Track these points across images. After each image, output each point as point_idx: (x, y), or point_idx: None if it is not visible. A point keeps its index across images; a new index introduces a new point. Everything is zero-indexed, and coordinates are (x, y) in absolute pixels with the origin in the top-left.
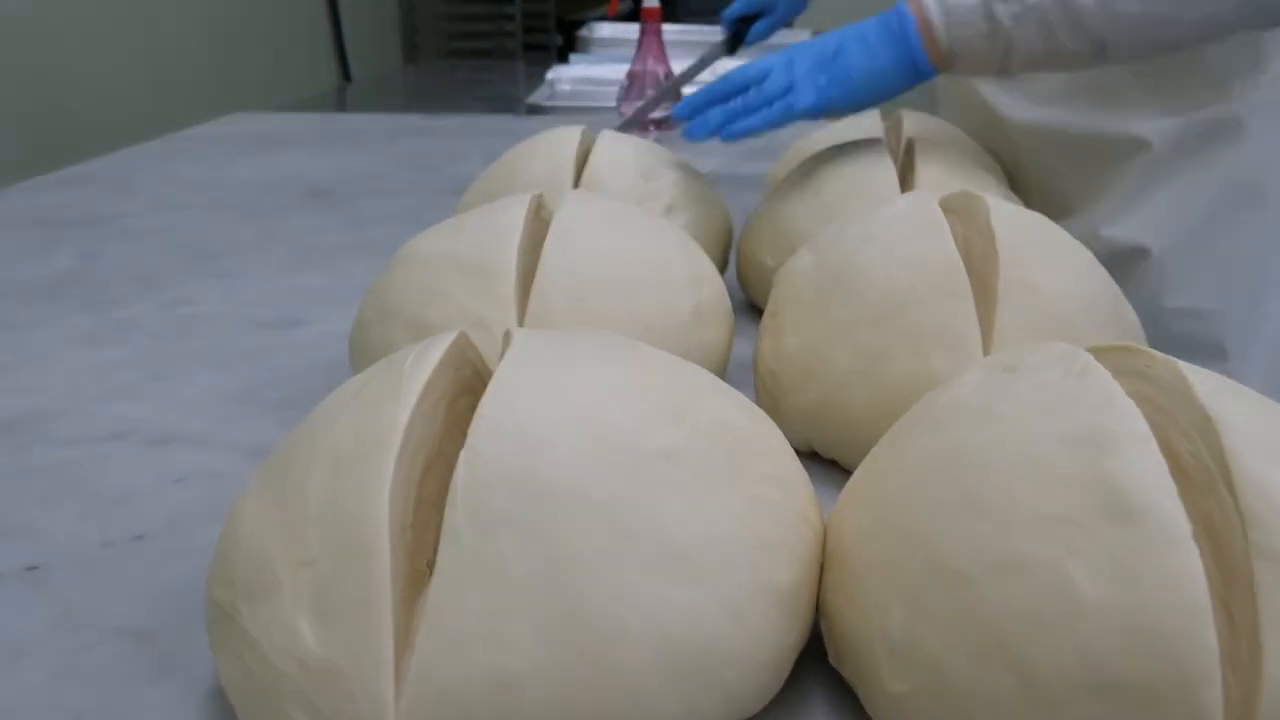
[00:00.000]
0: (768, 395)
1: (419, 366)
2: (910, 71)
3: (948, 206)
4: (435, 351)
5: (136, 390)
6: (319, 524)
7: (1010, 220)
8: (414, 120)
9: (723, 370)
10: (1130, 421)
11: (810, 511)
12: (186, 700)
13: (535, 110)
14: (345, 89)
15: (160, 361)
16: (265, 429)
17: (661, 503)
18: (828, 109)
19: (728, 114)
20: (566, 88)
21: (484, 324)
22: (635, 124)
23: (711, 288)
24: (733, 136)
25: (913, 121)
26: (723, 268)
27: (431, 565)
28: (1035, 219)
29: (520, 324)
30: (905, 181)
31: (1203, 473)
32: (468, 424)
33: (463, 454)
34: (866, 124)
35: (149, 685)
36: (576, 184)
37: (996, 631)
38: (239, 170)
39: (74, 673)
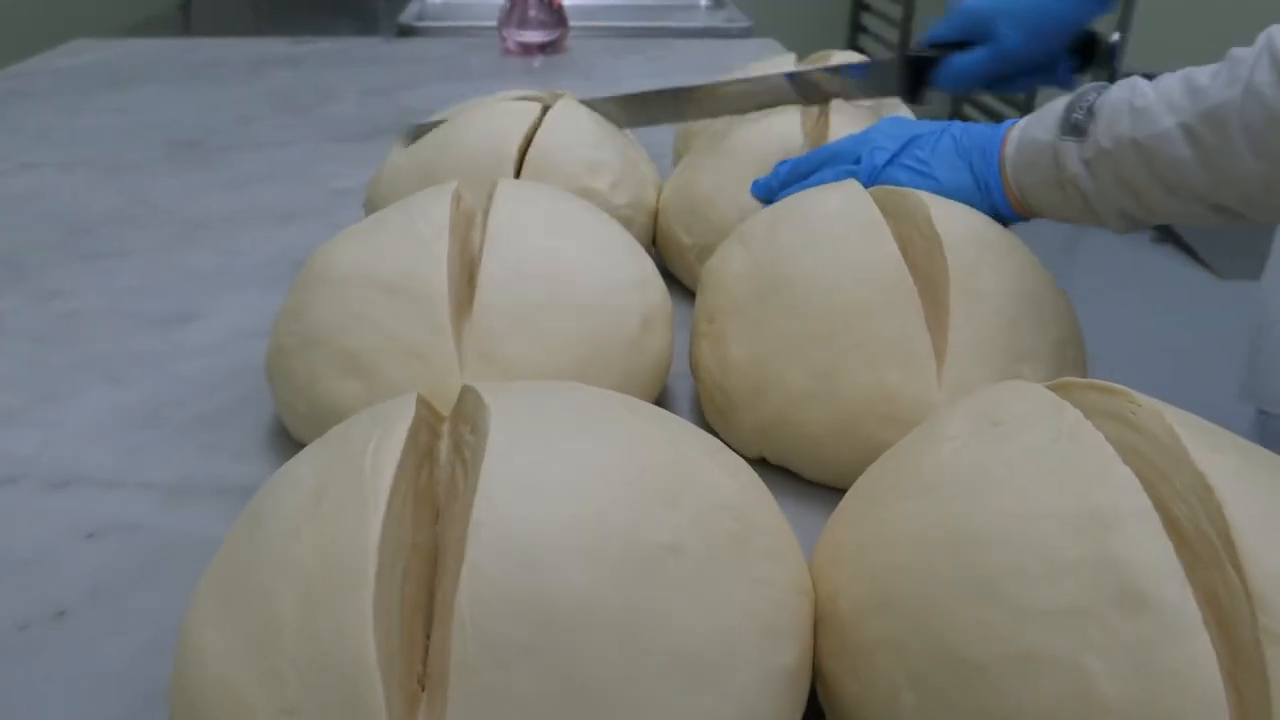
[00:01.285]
0: (715, 409)
1: (381, 464)
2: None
3: (875, 199)
4: (395, 442)
5: (22, 416)
6: (298, 669)
7: (951, 221)
8: (276, 47)
9: (667, 372)
10: (1132, 497)
11: (804, 579)
12: None
13: (408, 32)
14: (189, 5)
15: (44, 376)
16: (180, 461)
17: (669, 605)
18: None
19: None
20: (438, 2)
21: (420, 354)
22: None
23: (655, 290)
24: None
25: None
26: (653, 239)
27: (422, 681)
28: (967, 213)
29: (458, 351)
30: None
31: (1204, 544)
32: (436, 498)
33: (464, 573)
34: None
35: None
36: (521, 157)
37: None
38: (89, 116)
39: None
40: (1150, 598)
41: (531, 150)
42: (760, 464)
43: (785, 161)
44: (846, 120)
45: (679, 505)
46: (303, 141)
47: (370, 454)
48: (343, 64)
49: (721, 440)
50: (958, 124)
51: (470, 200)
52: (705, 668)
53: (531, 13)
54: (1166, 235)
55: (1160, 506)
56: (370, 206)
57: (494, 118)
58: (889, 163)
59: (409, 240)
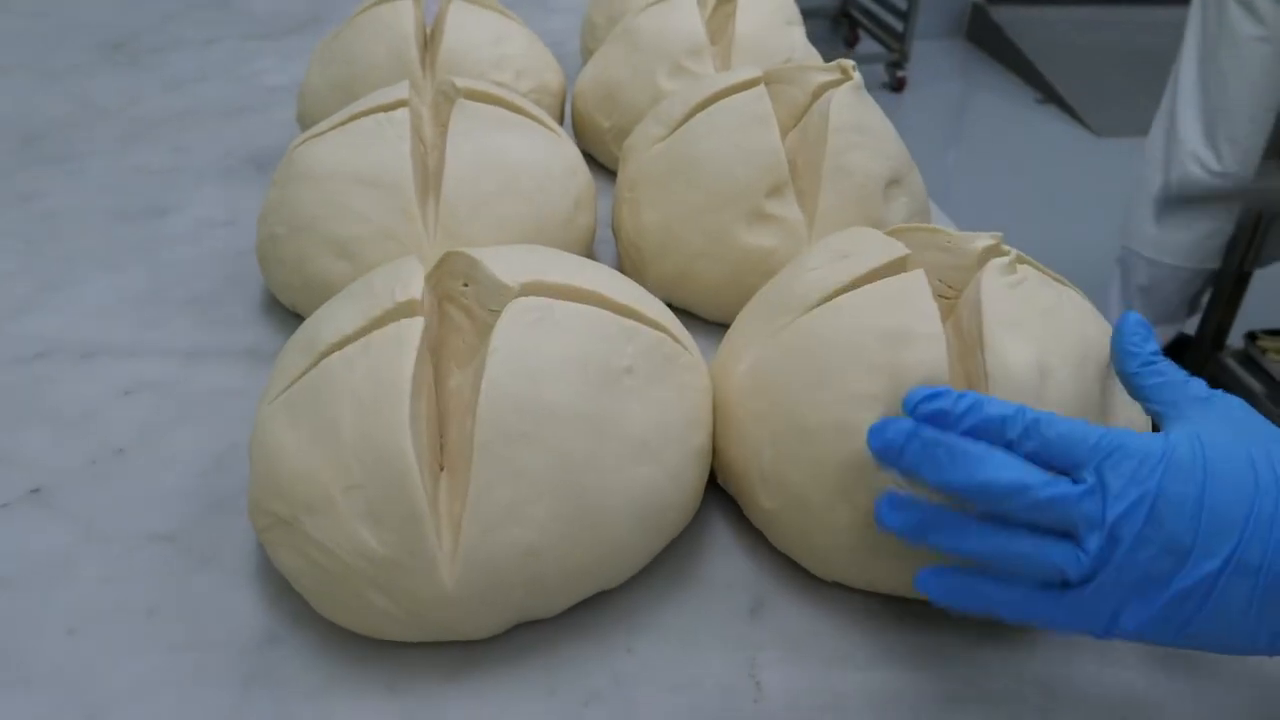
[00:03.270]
0: (631, 262)
1: (409, 330)
2: None
3: (784, 78)
4: (414, 327)
5: (35, 302)
6: (358, 457)
7: (843, 109)
8: None
9: (593, 240)
10: (928, 323)
11: (708, 383)
12: (233, 584)
13: None
14: None
15: (47, 268)
16: (188, 331)
17: (625, 407)
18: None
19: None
20: None
21: (395, 235)
22: None
23: (582, 176)
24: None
25: None
26: (560, 120)
27: (441, 464)
28: (865, 105)
29: (428, 232)
30: (720, 34)
31: (971, 337)
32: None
33: (484, 384)
34: None
35: (193, 576)
36: (423, 56)
37: (834, 472)
38: (12, 19)
39: (122, 576)
40: (923, 380)
41: (441, 53)
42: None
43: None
44: (751, 9)
45: (633, 339)
46: (227, 39)
47: (396, 300)
48: None
49: None
50: None
51: (418, 103)
52: (649, 448)
53: None
54: (1050, 96)
55: (949, 310)
56: (304, 120)
57: (381, 29)
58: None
59: (378, 141)
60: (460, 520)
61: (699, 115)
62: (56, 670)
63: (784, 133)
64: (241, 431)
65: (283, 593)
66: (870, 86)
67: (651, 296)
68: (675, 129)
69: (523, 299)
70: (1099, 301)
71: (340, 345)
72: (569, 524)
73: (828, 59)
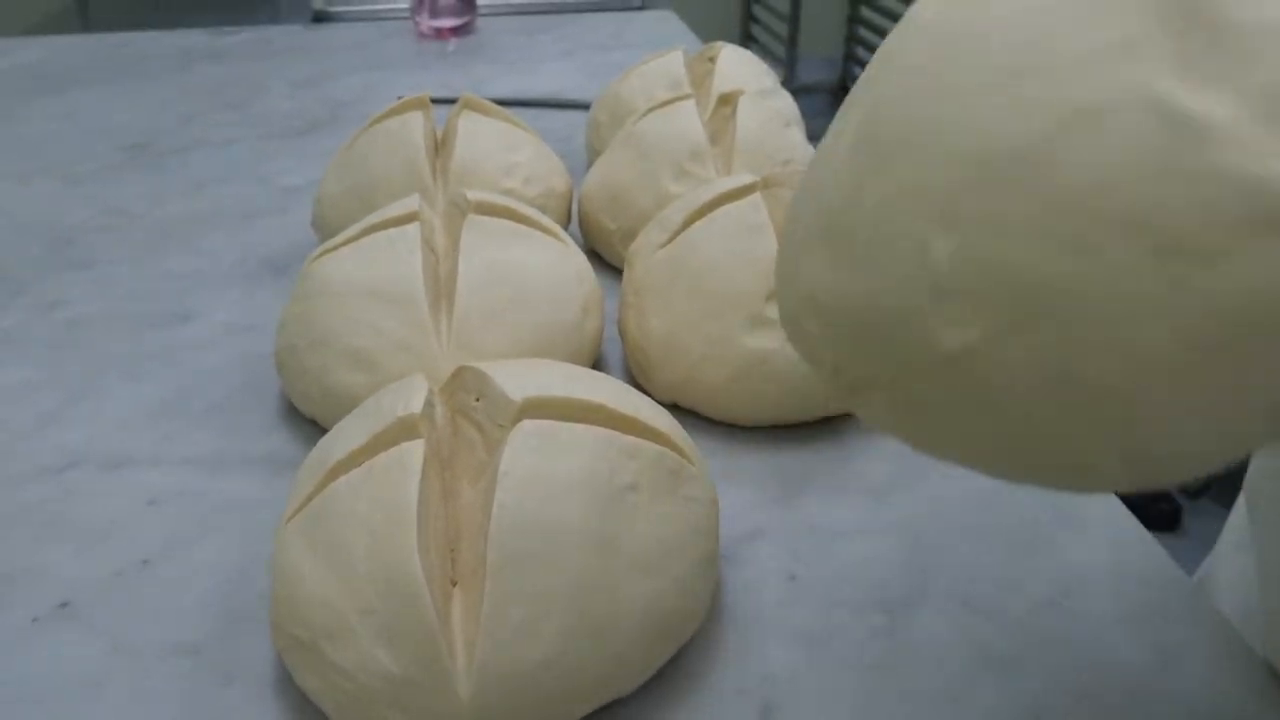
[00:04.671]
0: (637, 365)
1: (411, 455)
2: None
3: (782, 182)
4: (416, 450)
5: (61, 415)
6: (371, 582)
7: None
8: (197, 39)
9: (600, 344)
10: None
11: (712, 493)
12: (257, 699)
13: (323, 18)
14: (86, 1)
15: (69, 379)
16: (210, 439)
17: (631, 524)
18: None
19: None
20: None
21: (409, 347)
22: None
23: (589, 281)
24: None
25: (729, 61)
26: (566, 222)
27: (453, 580)
28: None
29: (442, 343)
30: (722, 135)
31: None
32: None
33: (494, 508)
34: (673, 69)
35: (218, 690)
36: (434, 164)
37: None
38: (34, 123)
39: (150, 691)
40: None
41: (453, 163)
42: (674, 408)
43: None
44: (751, 112)
45: (636, 456)
46: (245, 139)
47: (404, 444)
48: (266, 55)
49: (643, 390)
50: None
51: (429, 214)
52: (654, 561)
53: None
54: None
55: None
56: (321, 225)
57: (393, 141)
58: None
59: (390, 256)
60: (474, 638)
61: (698, 224)
62: None
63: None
64: (261, 542)
65: (304, 707)
66: None
67: (655, 405)
68: (675, 236)
69: (529, 422)
70: None
71: (347, 465)
72: (580, 638)
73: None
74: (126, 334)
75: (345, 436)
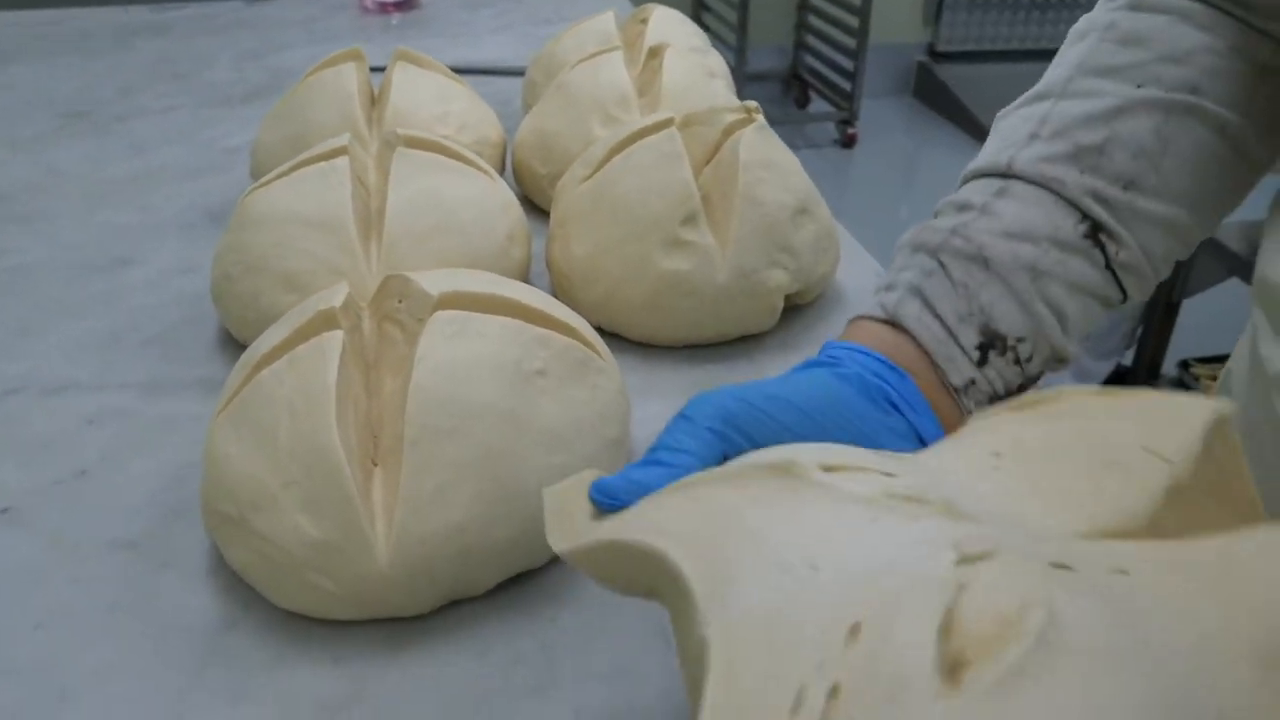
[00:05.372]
0: (563, 291)
1: (330, 342)
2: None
3: (698, 120)
4: (335, 340)
5: (7, 348)
6: (293, 457)
7: (752, 147)
8: (141, 15)
9: (528, 272)
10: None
11: (621, 383)
12: (190, 582)
13: None
14: None
15: (14, 316)
16: (146, 367)
17: (540, 404)
18: None
19: None
20: None
21: (339, 270)
22: None
23: (516, 213)
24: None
25: (660, 21)
26: (500, 171)
27: (375, 460)
28: (772, 143)
29: (371, 266)
30: (650, 86)
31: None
32: (364, 350)
33: (410, 388)
34: (605, 28)
35: (153, 576)
36: (370, 114)
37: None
38: None
39: (87, 579)
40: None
41: (388, 111)
42: (597, 331)
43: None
44: (677, 63)
45: (546, 345)
46: (186, 106)
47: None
48: (210, 30)
49: None
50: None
51: (360, 152)
52: (562, 439)
53: None
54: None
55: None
56: (258, 174)
57: (328, 91)
58: None
59: (320, 186)
60: (393, 508)
61: (618, 156)
62: (27, 660)
63: (699, 169)
64: (197, 451)
65: (235, 586)
66: (822, 144)
67: (569, 309)
68: (597, 170)
69: (444, 313)
70: None
71: (271, 358)
72: (491, 505)
73: (780, 119)
74: (68, 279)
75: (270, 336)
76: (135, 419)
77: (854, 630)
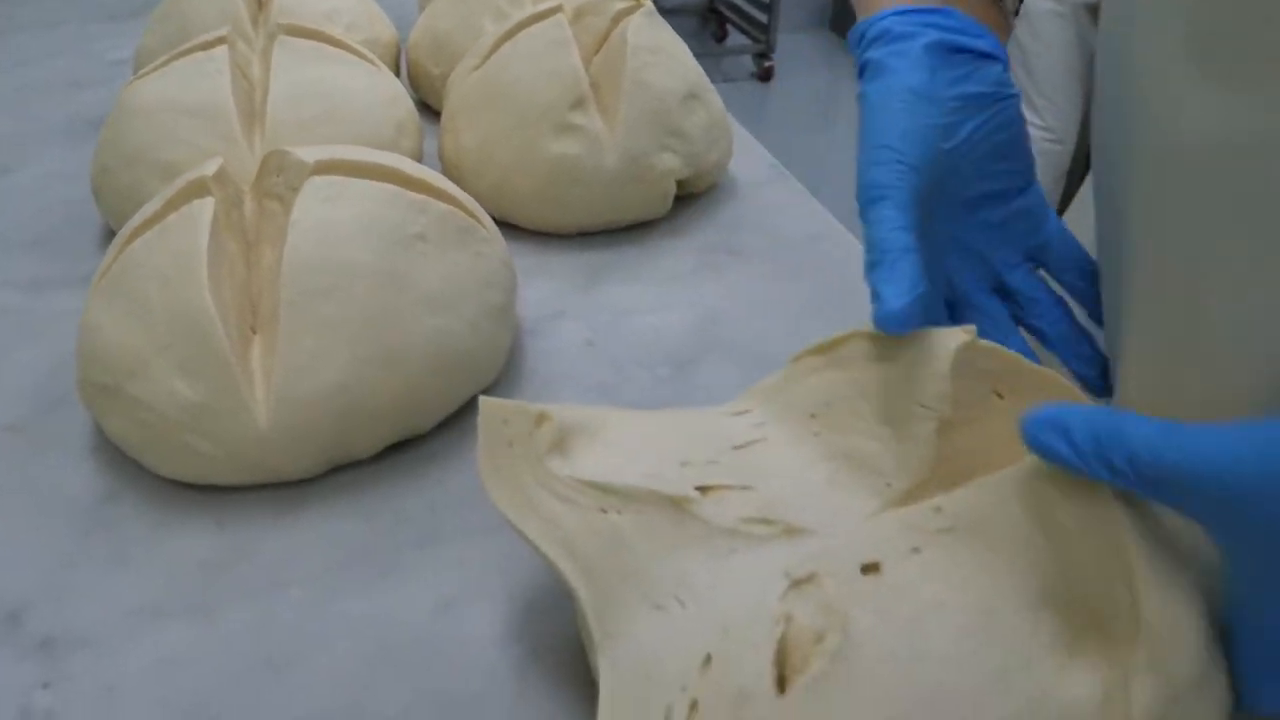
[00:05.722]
0: (455, 182)
1: (200, 209)
2: None
3: (587, 10)
4: (206, 205)
5: None
6: (166, 322)
7: (640, 31)
8: None
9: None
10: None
11: (505, 253)
12: (73, 460)
13: None
14: None
15: None
16: (28, 267)
17: (419, 267)
18: None
19: None
20: None
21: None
22: None
23: (404, 105)
24: None
25: None
26: (396, 72)
27: (254, 328)
28: (660, 29)
29: (255, 155)
30: None
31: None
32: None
33: (285, 250)
34: None
35: (37, 458)
36: (255, 15)
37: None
38: None
39: None
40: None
41: (273, 11)
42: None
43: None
44: None
45: (426, 211)
46: (72, 21)
47: (194, 202)
48: None
49: None
50: None
51: (241, 44)
52: (444, 302)
53: None
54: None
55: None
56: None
57: None
58: None
59: (198, 76)
60: (272, 371)
61: (506, 44)
62: None
63: (588, 57)
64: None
65: (118, 462)
66: (739, 77)
67: (451, 183)
68: (486, 59)
69: (319, 178)
70: None
71: (143, 229)
72: (373, 366)
73: (697, 53)
74: None
75: (143, 211)
76: (19, 314)
77: (707, 660)
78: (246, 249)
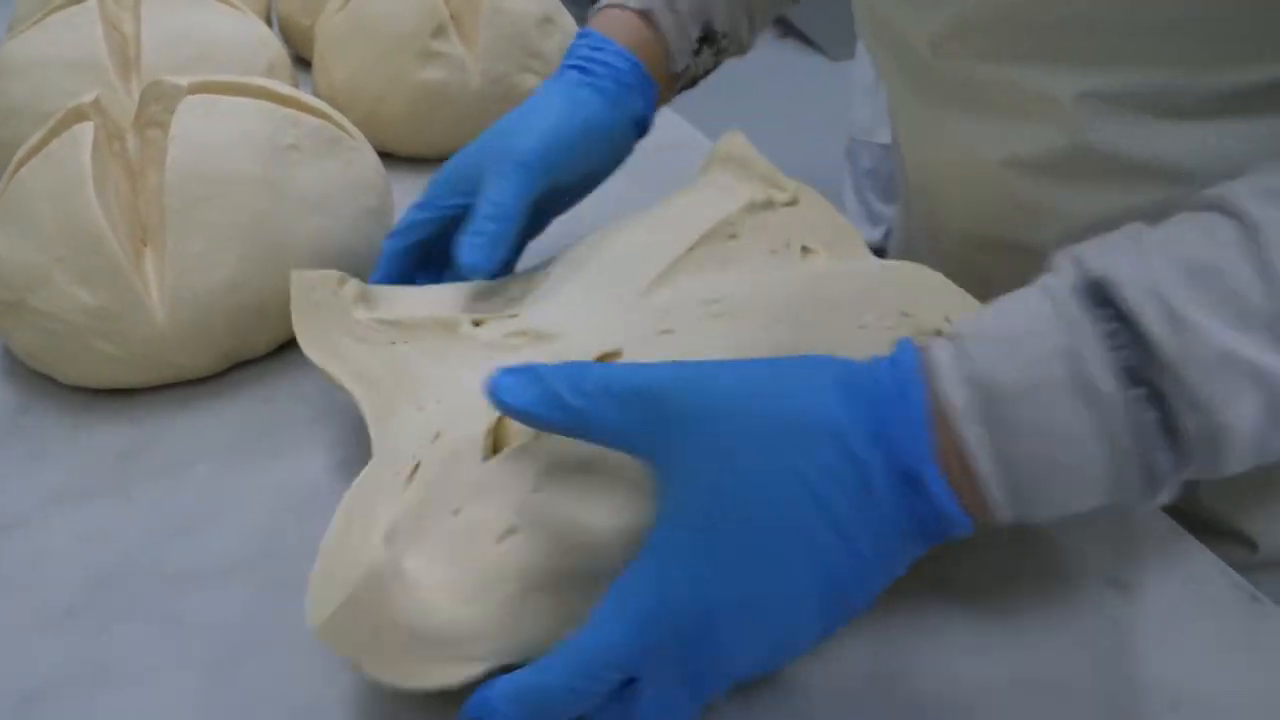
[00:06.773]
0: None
1: (81, 133)
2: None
3: None
4: (86, 129)
5: None
6: (61, 237)
7: None
8: None
9: None
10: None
11: (376, 161)
12: None
13: None
14: None
15: None
16: None
17: (295, 174)
18: None
19: None
20: None
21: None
22: None
23: (274, 47)
24: None
25: None
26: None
27: (144, 240)
28: None
29: (131, 98)
30: None
31: None
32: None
33: (167, 163)
34: None
35: None
36: None
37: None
38: None
39: None
40: None
41: None
42: None
43: None
44: None
45: (297, 124)
46: None
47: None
48: None
49: None
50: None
51: (113, 6)
52: (321, 204)
53: None
54: (788, 31)
55: None
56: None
57: None
58: None
59: (70, 30)
60: (164, 274)
61: None
62: None
63: None
64: None
65: (26, 377)
66: (587, 1)
67: (320, 101)
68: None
69: (194, 96)
70: (835, 196)
71: (27, 158)
72: (260, 264)
73: (573, 11)
74: None
75: (27, 144)
76: None
77: (438, 435)
78: (132, 177)
